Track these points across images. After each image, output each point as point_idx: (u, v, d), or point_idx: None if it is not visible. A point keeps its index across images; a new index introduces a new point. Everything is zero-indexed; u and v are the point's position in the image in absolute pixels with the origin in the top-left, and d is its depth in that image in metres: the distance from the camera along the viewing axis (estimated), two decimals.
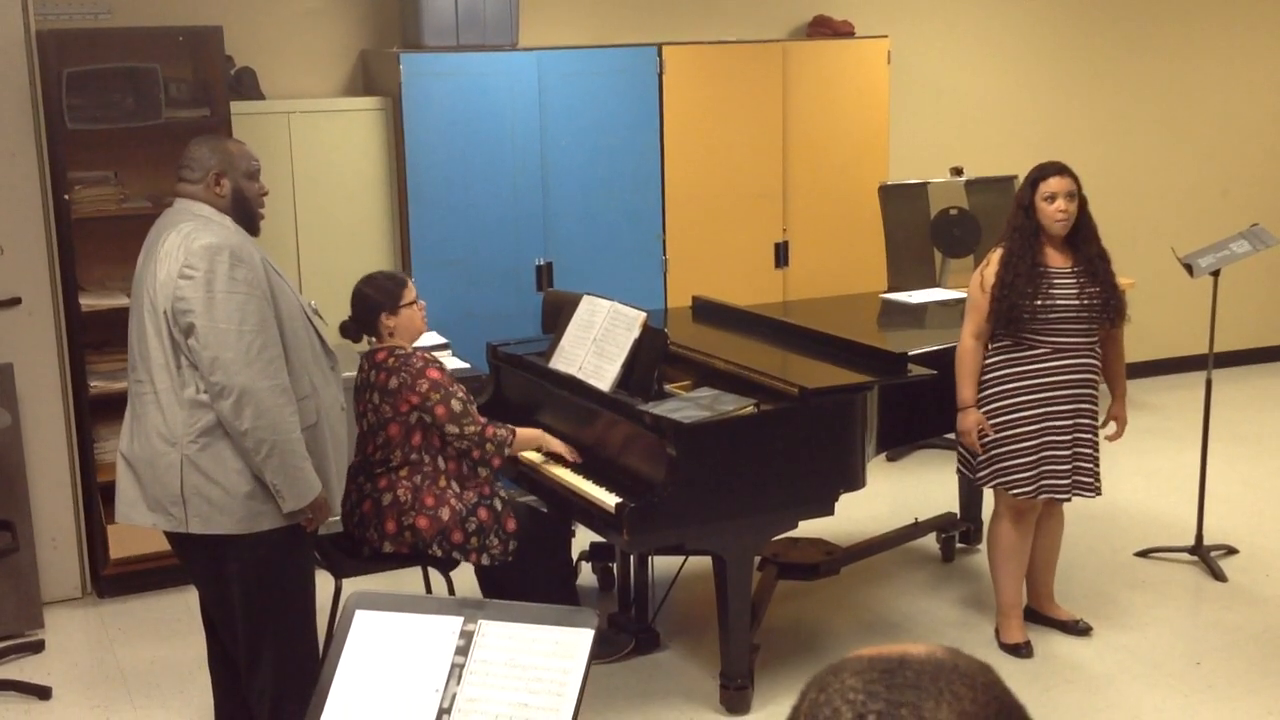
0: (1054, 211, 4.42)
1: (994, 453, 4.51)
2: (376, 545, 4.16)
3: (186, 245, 3.45)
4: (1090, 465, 4.55)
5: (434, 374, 4.14)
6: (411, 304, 4.24)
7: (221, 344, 3.39)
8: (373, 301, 4.22)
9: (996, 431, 4.48)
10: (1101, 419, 4.61)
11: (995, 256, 4.49)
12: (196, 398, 3.45)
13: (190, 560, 3.69)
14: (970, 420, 4.49)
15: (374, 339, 4.28)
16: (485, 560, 4.15)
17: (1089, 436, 4.54)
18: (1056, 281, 4.42)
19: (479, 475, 4.19)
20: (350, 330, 4.33)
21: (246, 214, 3.65)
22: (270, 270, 3.55)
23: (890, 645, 1.06)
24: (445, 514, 4.11)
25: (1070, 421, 4.48)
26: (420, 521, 4.11)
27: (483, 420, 4.18)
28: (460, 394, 4.16)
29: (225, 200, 3.60)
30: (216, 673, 3.92)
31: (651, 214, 6.34)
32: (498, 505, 4.21)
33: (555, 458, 4.39)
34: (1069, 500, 4.60)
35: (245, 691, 3.73)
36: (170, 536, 3.64)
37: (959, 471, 4.83)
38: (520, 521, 4.24)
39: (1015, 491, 4.51)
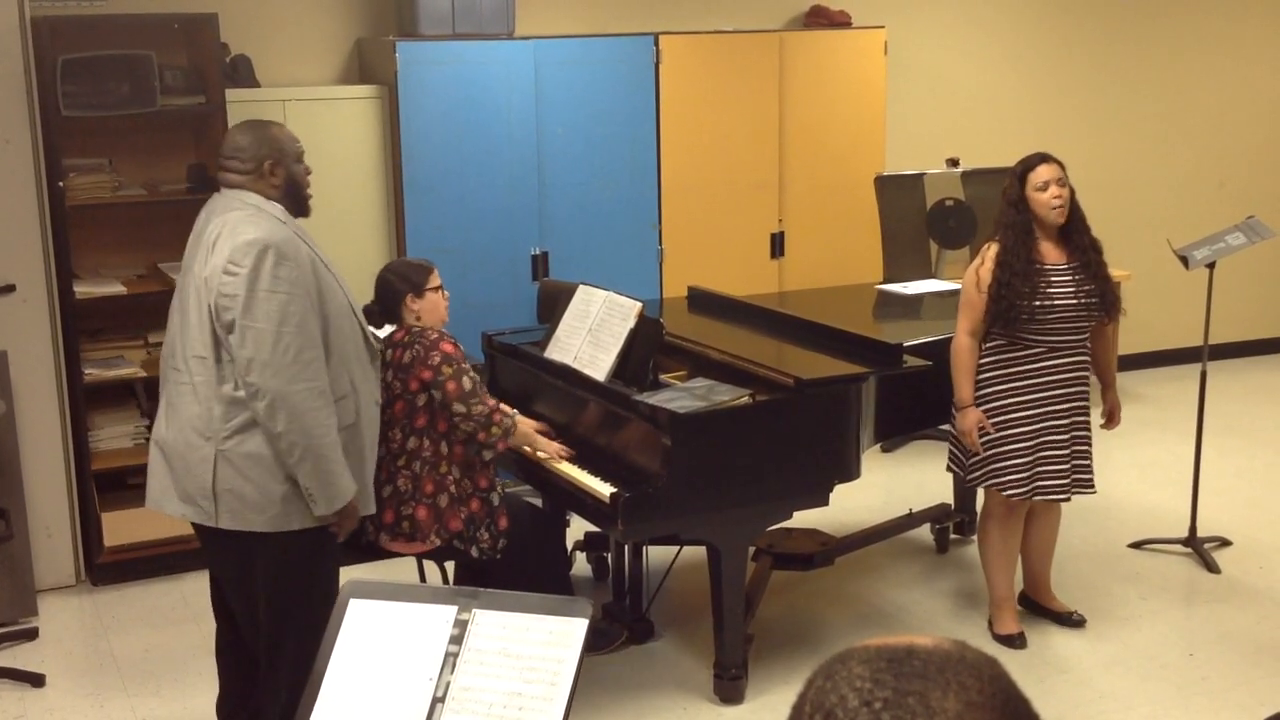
0: (1049, 199, 4.37)
1: (988, 453, 4.46)
2: (373, 538, 4.15)
3: (232, 239, 3.39)
4: (1087, 463, 4.53)
5: (448, 347, 4.11)
6: (437, 289, 4.24)
7: (259, 344, 3.35)
8: (398, 286, 4.21)
9: (993, 431, 4.45)
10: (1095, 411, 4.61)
11: (990, 253, 4.41)
12: (234, 394, 3.41)
13: (217, 554, 3.66)
14: (970, 420, 4.43)
15: (398, 325, 4.24)
16: (474, 552, 4.12)
17: (1085, 434, 4.52)
18: (1054, 280, 4.37)
19: (484, 459, 4.15)
20: (374, 316, 4.30)
21: (298, 199, 3.61)
22: (319, 264, 3.50)
23: (897, 636, 1.05)
24: (444, 500, 4.09)
25: (1067, 420, 4.45)
26: (420, 512, 4.08)
27: (492, 403, 4.15)
28: (471, 372, 4.14)
29: (279, 190, 3.55)
30: (226, 659, 3.88)
31: (647, 204, 6.33)
32: (494, 500, 4.17)
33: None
34: (1068, 500, 4.58)
35: (262, 686, 3.69)
36: (198, 528, 3.61)
37: (949, 469, 4.80)
38: (513, 519, 4.20)
39: (1010, 492, 4.47)
